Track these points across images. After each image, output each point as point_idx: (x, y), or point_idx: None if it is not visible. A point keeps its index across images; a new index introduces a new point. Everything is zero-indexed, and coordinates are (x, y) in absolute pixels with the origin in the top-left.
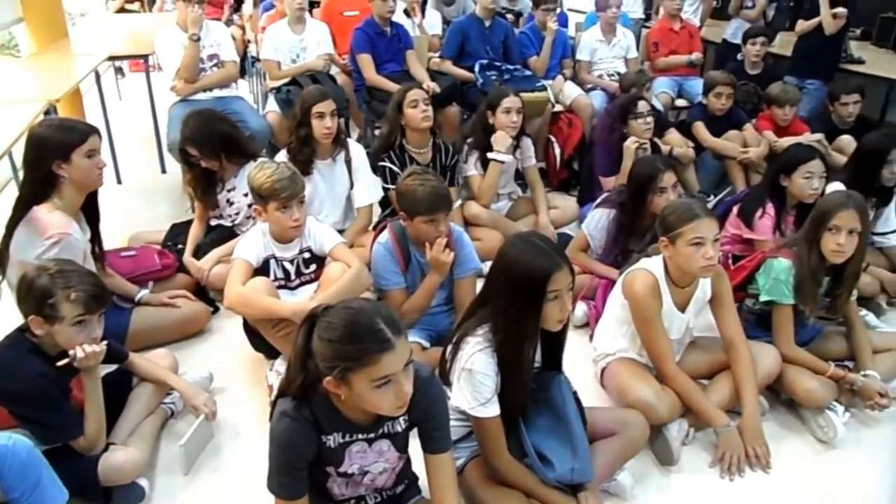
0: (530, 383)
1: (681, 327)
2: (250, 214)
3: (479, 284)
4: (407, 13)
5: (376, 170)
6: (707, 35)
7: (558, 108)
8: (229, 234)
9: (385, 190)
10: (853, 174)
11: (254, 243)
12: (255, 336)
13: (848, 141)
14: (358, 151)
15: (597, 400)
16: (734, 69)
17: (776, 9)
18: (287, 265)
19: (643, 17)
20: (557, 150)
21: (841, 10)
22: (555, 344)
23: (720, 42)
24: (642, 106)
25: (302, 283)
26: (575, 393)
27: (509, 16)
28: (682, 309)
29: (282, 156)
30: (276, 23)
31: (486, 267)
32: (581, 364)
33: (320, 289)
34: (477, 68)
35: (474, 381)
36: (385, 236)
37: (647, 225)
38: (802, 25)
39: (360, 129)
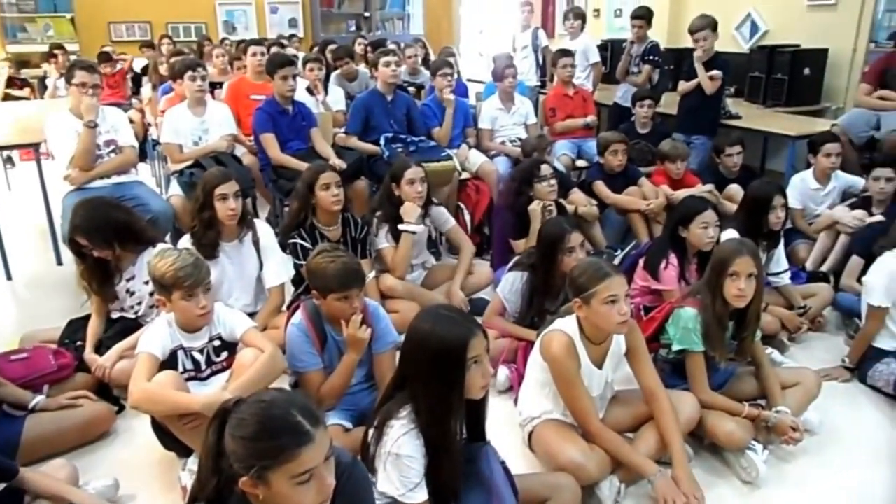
0: (461, 460)
1: (600, 384)
2: (153, 304)
3: None
4: (310, 91)
5: (286, 247)
6: (599, 98)
7: (465, 175)
8: (133, 326)
9: (297, 267)
10: (743, 221)
11: (159, 335)
12: (165, 434)
13: (736, 189)
14: (265, 231)
15: (526, 465)
16: (626, 129)
17: (659, 73)
18: (196, 355)
19: (539, 84)
20: (467, 217)
21: (716, 72)
22: (477, 413)
23: (612, 105)
24: (545, 169)
25: (214, 373)
26: (503, 462)
27: (411, 89)
28: (600, 365)
29: (185, 240)
30: (176, 105)
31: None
32: (507, 429)
33: (233, 377)
34: (382, 142)
35: (402, 466)
36: (298, 317)
37: (559, 285)
38: (683, 87)
39: (271, 206)
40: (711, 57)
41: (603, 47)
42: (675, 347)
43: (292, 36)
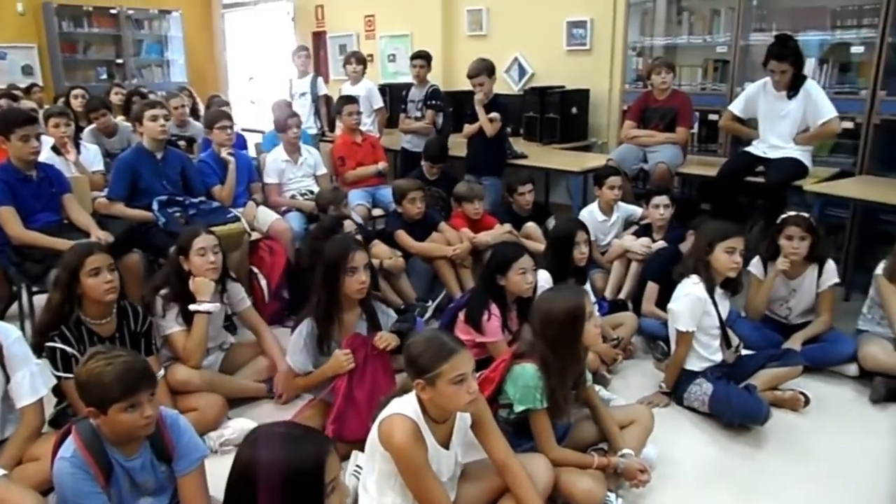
0: None
1: (450, 465)
2: None
3: None
4: (56, 150)
5: (42, 351)
6: (386, 144)
7: (255, 236)
8: None
9: (59, 378)
10: (551, 260)
11: None
12: None
13: (533, 227)
14: (9, 335)
15: None
16: (418, 175)
17: (443, 116)
18: None
19: (319, 132)
20: (263, 282)
21: (494, 114)
22: None
23: (400, 149)
24: (348, 225)
25: None
26: None
27: (181, 143)
28: (447, 445)
29: None
30: None
31: (210, 439)
32: None
33: None
34: (156, 206)
35: None
36: (70, 447)
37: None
38: (467, 130)
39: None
40: (491, 99)
41: (382, 91)
42: (518, 408)
43: (33, 85)
